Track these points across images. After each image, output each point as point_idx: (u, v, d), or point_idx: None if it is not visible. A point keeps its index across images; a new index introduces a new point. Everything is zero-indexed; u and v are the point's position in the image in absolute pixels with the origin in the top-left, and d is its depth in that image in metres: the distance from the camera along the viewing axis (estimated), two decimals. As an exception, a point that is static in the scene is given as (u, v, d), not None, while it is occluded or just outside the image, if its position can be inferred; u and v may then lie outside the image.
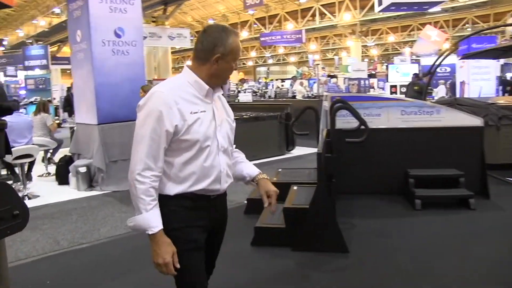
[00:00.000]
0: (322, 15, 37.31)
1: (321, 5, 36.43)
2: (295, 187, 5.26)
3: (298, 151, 10.46)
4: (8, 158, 6.46)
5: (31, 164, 7.39)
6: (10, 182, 7.24)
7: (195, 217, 2.00)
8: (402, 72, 18.76)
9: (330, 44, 46.20)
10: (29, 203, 6.48)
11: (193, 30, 41.02)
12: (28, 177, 7.32)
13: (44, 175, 8.27)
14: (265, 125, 9.76)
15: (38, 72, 17.19)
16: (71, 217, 5.82)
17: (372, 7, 33.17)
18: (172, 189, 1.95)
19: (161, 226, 1.88)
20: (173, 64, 45.85)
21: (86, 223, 5.57)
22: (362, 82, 17.90)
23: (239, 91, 23.43)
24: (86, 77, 7.03)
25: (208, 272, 2.23)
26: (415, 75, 13.87)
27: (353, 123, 5.95)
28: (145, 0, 24.24)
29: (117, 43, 6.99)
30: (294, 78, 26.79)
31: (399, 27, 40.29)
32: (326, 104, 6.52)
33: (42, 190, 7.13)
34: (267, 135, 9.81)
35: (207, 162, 1.96)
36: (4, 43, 31.12)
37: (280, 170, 6.31)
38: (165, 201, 1.95)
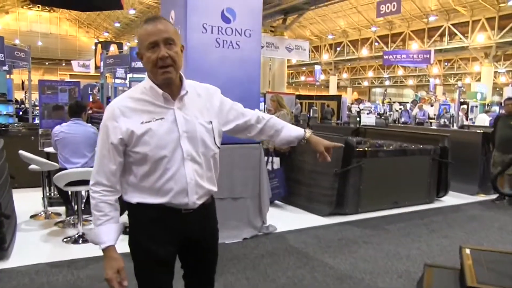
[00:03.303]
0: (451, 35, 34.13)
1: (452, 24, 33.21)
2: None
3: (450, 198, 7.70)
4: (59, 182, 4.58)
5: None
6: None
7: (159, 230, 1.91)
8: None
9: (454, 68, 42.30)
10: (82, 249, 4.56)
11: (311, 45, 39.42)
12: (86, 210, 5.40)
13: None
14: (413, 162, 7.13)
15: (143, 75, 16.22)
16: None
17: (513, 28, 29.60)
18: (133, 198, 1.91)
19: (110, 243, 1.85)
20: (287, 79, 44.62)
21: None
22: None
23: (358, 112, 20.93)
24: (178, 76, 5.02)
25: None
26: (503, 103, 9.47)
27: None
28: (265, 8, 22.97)
29: (224, 31, 4.85)
30: (414, 102, 24.17)
31: None
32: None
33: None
34: (414, 175, 7.18)
35: (167, 174, 1.85)
36: (125, 48, 31.52)
37: (468, 251, 3.73)
38: (131, 209, 1.94)
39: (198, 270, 2.12)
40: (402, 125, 14.42)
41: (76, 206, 5.02)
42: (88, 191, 5.17)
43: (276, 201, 6.72)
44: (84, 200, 5.33)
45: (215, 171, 2.05)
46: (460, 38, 33.27)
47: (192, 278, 2.13)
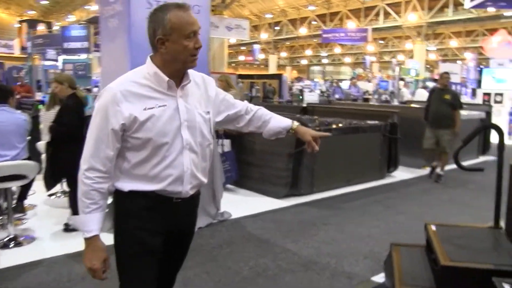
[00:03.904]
0: (386, 14, 34.97)
1: (387, 4, 34.15)
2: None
3: (400, 173, 7.73)
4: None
5: (25, 189, 4.88)
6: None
7: (150, 219, 1.86)
8: (497, 78, 15.55)
9: (389, 46, 43.63)
10: (13, 255, 4.01)
11: (250, 24, 39.16)
12: (18, 208, 4.86)
13: (58, 194, 5.85)
14: (364, 139, 7.04)
15: (80, 56, 15.23)
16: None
17: (442, 8, 30.84)
18: (126, 185, 1.85)
19: (96, 232, 1.80)
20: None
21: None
22: (453, 87, 14.78)
23: (300, 90, 20.93)
24: (120, 56, 4.55)
25: (166, 285, 2.10)
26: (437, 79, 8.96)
27: None
28: (203, -14, 22.33)
29: (170, 5, 4.47)
30: (353, 79, 24.52)
31: (463, 32, 38.48)
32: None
33: (46, 226, 4.71)
34: (366, 152, 7.11)
35: (166, 161, 1.83)
36: (55, 27, 29.54)
37: (433, 228, 3.63)
38: (120, 197, 1.87)
39: (172, 261, 2.09)
40: (350, 102, 14.42)
41: (5, 205, 4.42)
42: (21, 186, 4.67)
43: (228, 185, 6.43)
44: (15, 196, 4.79)
45: (209, 162, 2.02)
46: (394, 18, 34.18)
47: (162, 269, 2.01)
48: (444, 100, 7.26)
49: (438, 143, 7.29)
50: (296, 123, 2.19)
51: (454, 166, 7.84)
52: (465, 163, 8.00)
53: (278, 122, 2.18)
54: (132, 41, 4.38)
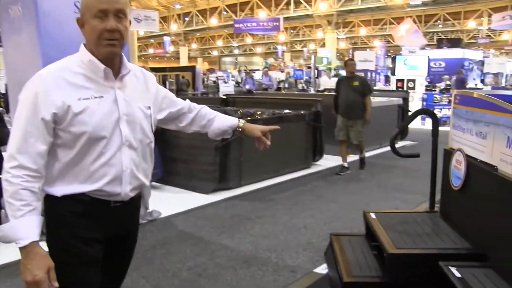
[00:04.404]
0: (297, 3, 35.72)
1: (297, -7, 34.80)
2: (455, 271, 2.60)
3: (325, 161, 7.78)
4: None
5: None
6: None
7: (86, 226, 1.67)
8: (409, 65, 16.43)
9: (300, 35, 44.62)
10: None
11: (159, 15, 38.15)
12: None
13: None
14: (289, 128, 6.97)
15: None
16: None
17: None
18: (59, 189, 1.65)
19: (33, 238, 1.52)
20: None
21: None
22: (368, 74, 15.39)
23: (214, 81, 20.71)
24: (28, 49, 4.07)
25: None
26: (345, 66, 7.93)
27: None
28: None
29: (83, -10, 4.09)
30: (264, 69, 24.79)
31: (371, 20, 39.87)
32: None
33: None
34: (291, 142, 7.04)
35: (102, 159, 1.64)
36: None
37: (373, 216, 3.63)
38: (52, 203, 1.68)
39: (116, 268, 1.91)
40: (273, 91, 14.42)
41: None
42: None
43: (153, 183, 6.10)
44: None
45: (151, 162, 1.85)
46: (305, 6, 34.93)
47: (105, 278, 1.82)
48: (353, 88, 6.98)
49: (348, 135, 7.08)
50: (242, 121, 2.12)
51: (376, 151, 8.25)
52: (384, 149, 8.39)
53: (223, 121, 2.08)
54: (41, 32, 3.97)
